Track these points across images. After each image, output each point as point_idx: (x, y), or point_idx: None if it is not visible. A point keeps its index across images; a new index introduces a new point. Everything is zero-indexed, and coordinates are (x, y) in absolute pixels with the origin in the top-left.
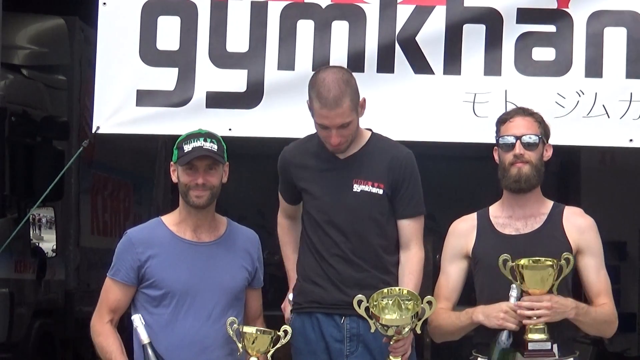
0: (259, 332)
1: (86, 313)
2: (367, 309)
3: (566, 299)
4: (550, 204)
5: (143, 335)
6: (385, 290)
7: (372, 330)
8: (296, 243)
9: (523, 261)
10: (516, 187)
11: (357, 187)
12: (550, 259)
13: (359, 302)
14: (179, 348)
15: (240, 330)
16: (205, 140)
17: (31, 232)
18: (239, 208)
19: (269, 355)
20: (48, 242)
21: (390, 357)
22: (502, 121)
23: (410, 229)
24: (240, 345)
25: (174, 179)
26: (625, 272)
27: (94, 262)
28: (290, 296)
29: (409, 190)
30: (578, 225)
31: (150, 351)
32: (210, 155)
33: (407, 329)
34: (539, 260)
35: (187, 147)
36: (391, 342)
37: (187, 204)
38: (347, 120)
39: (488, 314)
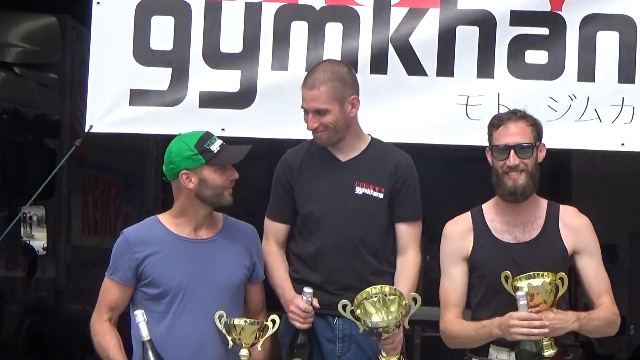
0: (245, 323)
1: (76, 311)
2: (352, 312)
3: (566, 312)
4: (545, 204)
5: (144, 332)
6: (368, 290)
7: (361, 331)
8: (287, 267)
9: (523, 278)
10: (512, 199)
11: (359, 190)
12: (548, 275)
13: (344, 306)
14: (177, 345)
15: (229, 323)
16: (218, 139)
17: (22, 230)
18: (229, 208)
19: (258, 345)
20: (39, 240)
21: (382, 354)
22: (494, 126)
23: (408, 232)
24: (230, 338)
25: (191, 185)
26: (615, 275)
27: (84, 261)
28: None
29: (409, 194)
30: (574, 226)
31: (149, 348)
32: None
33: (393, 327)
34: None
35: (215, 148)
36: (381, 340)
37: (219, 204)
38: (322, 106)
39: (503, 330)
